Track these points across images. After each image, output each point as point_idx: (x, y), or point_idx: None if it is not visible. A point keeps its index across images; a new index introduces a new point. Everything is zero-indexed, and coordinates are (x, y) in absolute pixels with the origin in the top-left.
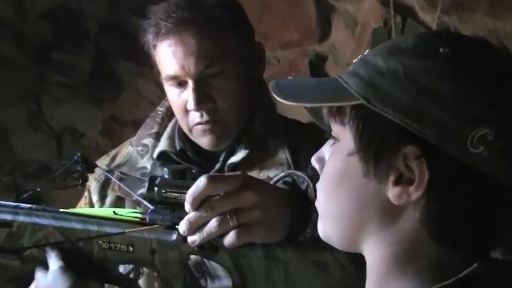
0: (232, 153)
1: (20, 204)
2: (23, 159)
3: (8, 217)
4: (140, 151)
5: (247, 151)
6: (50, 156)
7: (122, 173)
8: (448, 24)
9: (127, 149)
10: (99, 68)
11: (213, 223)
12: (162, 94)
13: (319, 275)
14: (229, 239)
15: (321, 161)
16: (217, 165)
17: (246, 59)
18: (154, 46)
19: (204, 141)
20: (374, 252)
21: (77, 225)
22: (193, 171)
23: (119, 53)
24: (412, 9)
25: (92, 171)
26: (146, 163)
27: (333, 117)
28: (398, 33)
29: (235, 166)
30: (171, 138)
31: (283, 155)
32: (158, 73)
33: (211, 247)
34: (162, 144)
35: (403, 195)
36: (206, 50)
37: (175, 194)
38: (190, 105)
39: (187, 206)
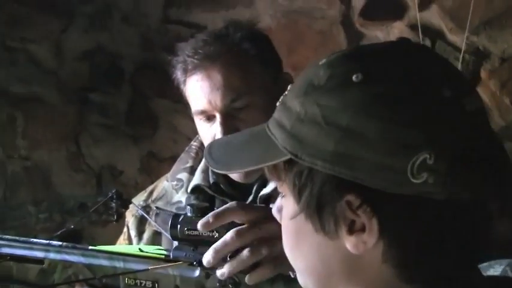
0: (264, 184)
1: (51, 241)
2: (59, 197)
3: (40, 254)
4: (175, 185)
5: None
6: (89, 194)
7: (157, 207)
8: (478, 44)
9: (163, 184)
10: (136, 106)
11: (245, 252)
12: None
13: None
14: (260, 272)
15: (280, 212)
16: (250, 197)
17: (274, 91)
18: (184, 82)
19: (233, 175)
20: None
21: (104, 262)
22: (212, 179)
23: (154, 91)
24: (441, 31)
25: (127, 208)
26: (181, 197)
27: (271, 175)
28: None
29: (267, 197)
30: (205, 171)
31: None
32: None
33: (233, 283)
34: (196, 178)
35: (359, 244)
36: (232, 84)
37: (198, 232)
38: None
39: (211, 221)
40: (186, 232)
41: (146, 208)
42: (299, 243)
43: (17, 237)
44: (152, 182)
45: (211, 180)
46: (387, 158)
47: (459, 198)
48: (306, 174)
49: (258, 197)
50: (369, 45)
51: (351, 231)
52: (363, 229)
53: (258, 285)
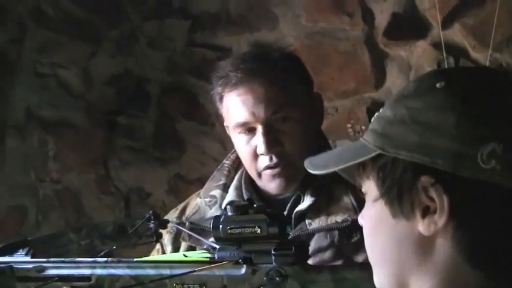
0: (298, 201)
1: (96, 258)
2: (98, 222)
3: (87, 272)
4: (208, 202)
5: (313, 198)
6: (119, 217)
7: (191, 223)
8: (501, 60)
9: (195, 201)
10: (163, 129)
11: None
12: (225, 150)
13: None
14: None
15: (363, 217)
16: (284, 213)
17: (309, 108)
18: (221, 98)
19: (272, 186)
20: (420, 286)
21: (151, 271)
22: (255, 205)
23: (181, 113)
24: (464, 49)
25: (165, 227)
26: (215, 213)
27: (360, 175)
28: None
29: (302, 214)
30: (239, 188)
31: (348, 199)
32: (222, 125)
33: (279, 276)
34: (230, 195)
35: (430, 224)
36: (274, 96)
37: (240, 229)
38: (261, 149)
39: None
40: (229, 231)
41: (180, 225)
42: (377, 230)
43: (63, 259)
44: (180, 204)
45: (245, 197)
46: (462, 145)
47: None
48: (390, 164)
49: (294, 213)
50: (457, 66)
51: (424, 214)
52: (435, 212)
53: (305, 276)
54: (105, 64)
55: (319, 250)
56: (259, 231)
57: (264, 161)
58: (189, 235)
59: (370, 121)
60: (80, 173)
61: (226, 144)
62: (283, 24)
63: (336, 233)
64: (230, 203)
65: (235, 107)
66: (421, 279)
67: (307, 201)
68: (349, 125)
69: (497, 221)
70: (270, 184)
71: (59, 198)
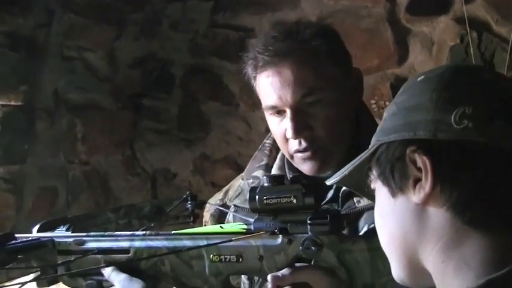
0: None
1: (134, 232)
2: (136, 202)
3: (125, 244)
4: (251, 183)
5: None
6: (146, 198)
7: (235, 205)
8: None
9: (238, 183)
10: (187, 110)
11: None
12: (250, 130)
13: None
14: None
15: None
16: (331, 193)
17: (346, 86)
18: (254, 78)
19: (305, 168)
20: (428, 258)
21: (188, 243)
22: (289, 176)
23: (205, 94)
24: (487, 23)
25: (202, 208)
26: None
27: (369, 177)
28: (475, 48)
29: (348, 194)
30: (281, 168)
31: None
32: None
33: (315, 245)
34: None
35: (420, 191)
36: (303, 79)
37: (276, 200)
38: (289, 133)
39: (281, 277)
40: (265, 201)
41: (223, 206)
42: (381, 216)
43: (103, 232)
44: (206, 184)
45: (288, 177)
46: (436, 113)
47: (498, 145)
48: (385, 150)
49: (340, 192)
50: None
51: (415, 185)
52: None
53: (340, 245)
54: (129, 47)
55: (369, 228)
56: (295, 201)
57: (293, 144)
58: (234, 216)
59: (394, 97)
60: (107, 154)
61: (251, 123)
62: (305, 3)
63: None
64: (266, 175)
65: (265, 89)
66: (427, 248)
67: None
68: (373, 101)
69: (477, 176)
70: (302, 166)
71: (88, 180)
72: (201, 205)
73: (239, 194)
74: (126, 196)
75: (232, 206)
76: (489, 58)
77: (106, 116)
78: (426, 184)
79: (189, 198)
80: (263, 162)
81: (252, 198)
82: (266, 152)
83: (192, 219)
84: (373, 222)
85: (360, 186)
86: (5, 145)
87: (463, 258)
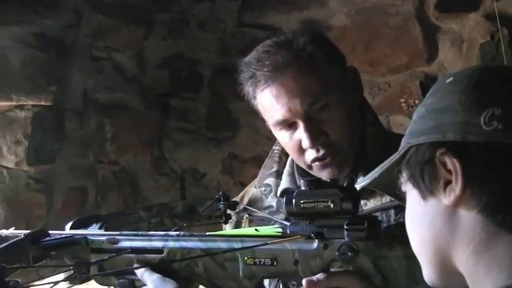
0: (352, 183)
1: (168, 232)
2: (169, 201)
3: (159, 244)
4: (264, 191)
5: None
6: (174, 198)
7: (250, 214)
8: None
9: (252, 191)
10: (216, 109)
11: None
12: None
13: None
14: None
15: None
16: None
17: (345, 86)
18: (255, 97)
19: (325, 175)
20: (460, 260)
21: (222, 245)
22: (328, 180)
23: (233, 93)
24: None
25: (234, 208)
26: (271, 202)
27: (399, 179)
28: (506, 45)
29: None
30: (291, 174)
31: None
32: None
33: (351, 251)
34: (284, 182)
35: (451, 193)
36: (308, 87)
37: (313, 204)
38: (305, 143)
39: (316, 281)
40: (302, 205)
41: (239, 213)
42: (412, 219)
43: (136, 232)
44: (235, 183)
45: (298, 183)
46: (466, 115)
47: None
48: (414, 152)
49: None
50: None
51: (445, 187)
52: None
53: (377, 251)
54: (157, 47)
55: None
56: (332, 205)
57: (311, 154)
58: (249, 225)
59: (423, 95)
60: (136, 154)
61: None
62: (332, 1)
63: (392, 212)
64: (304, 179)
65: (270, 105)
66: (459, 250)
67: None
68: (402, 100)
69: (507, 177)
70: (321, 173)
71: (117, 180)
72: (234, 206)
73: (253, 204)
74: (154, 196)
75: (246, 215)
76: None
77: (134, 116)
78: (456, 187)
79: (221, 198)
80: (273, 169)
81: (288, 202)
82: (275, 158)
83: (224, 219)
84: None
85: (390, 188)
86: (36, 145)
87: (494, 259)
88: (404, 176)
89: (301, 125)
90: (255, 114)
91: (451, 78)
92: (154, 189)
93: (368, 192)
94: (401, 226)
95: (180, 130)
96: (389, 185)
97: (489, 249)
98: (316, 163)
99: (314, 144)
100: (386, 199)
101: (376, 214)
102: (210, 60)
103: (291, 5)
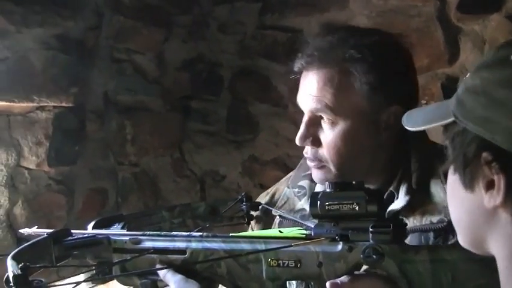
0: (392, 199)
1: (191, 233)
2: (191, 202)
3: (182, 245)
4: (297, 193)
5: (407, 197)
6: (195, 200)
7: (280, 216)
8: None
9: (284, 190)
10: (236, 112)
11: None
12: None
13: (486, 273)
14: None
15: None
16: None
17: (372, 121)
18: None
19: (313, 175)
20: (496, 253)
21: (246, 246)
22: (354, 182)
23: (253, 96)
24: None
25: (256, 209)
26: (304, 205)
27: (445, 136)
28: None
29: (395, 213)
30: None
31: (446, 197)
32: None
33: (376, 254)
34: (319, 187)
35: (491, 199)
36: (322, 97)
37: (338, 206)
38: (297, 136)
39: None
40: (327, 207)
41: (269, 214)
42: (452, 196)
43: (159, 232)
44: (255, 186)
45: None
46: None
47: None
48: (460, 133)
49: (387, 212)
50: None
51: (488, 188)
52: (496, 187)
53: (402, 255)
54: (177, 49)
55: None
56: (357, 208)
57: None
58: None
59: (444, 97)
60: (156, 156)
61: (300, 125)
62: (353, 3)
63: (431, 234)
64: (330, 181)
65: (299, 85)
66: (496, 247)
67: (401, 201)
68: (423, 101)
69: None
70: (312, 171)
71: (137, 181)
72: (256, 207)
73: (285, 203)
74: (175, 198)
75: (278, 217)
76: None
77: (155, 118)
78: (498, 197)
79: (244, 199)
80: (309, 172)
81: (313, 204)
82: None
83: (246, 220)
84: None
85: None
86: (56, 146)
87: None
88: (449, 144)
89: (304, 118)
90: (275, 116)
91: None
92: (175, 191)
93: (408, 210)
94: None
95: (200, 132)
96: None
97: None
98: (306, 159)
99: (298, 142)
100: (427, 220)
101: (414, 234)
102: (231, 63)
103: (311, 7)
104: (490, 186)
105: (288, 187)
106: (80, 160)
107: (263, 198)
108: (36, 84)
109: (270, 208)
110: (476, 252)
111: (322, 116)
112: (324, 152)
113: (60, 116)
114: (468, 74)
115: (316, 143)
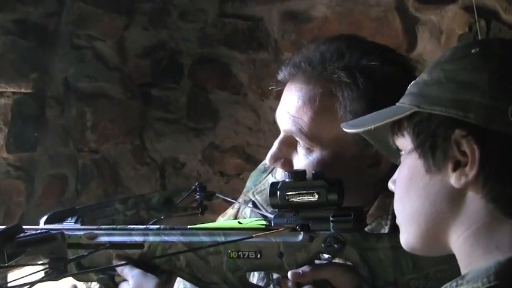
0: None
1: (149, 226)
2: (145, 193)
3: (139, 239)
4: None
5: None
6: (155, 187)
7: (254, 204)
8: None
9: (268, 177)
10: (196, 99)
11: None
12: (259, 120)
13: (446, 258)
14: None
15: (394, 182)
16: None
17: (358, 156)
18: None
19: None
20: (456, 240)
21: (205, 238)
22: (313, 172)
23: (213, 84)
24: (496, 11)
25: (211, 199)
26: None
27: (395, 133)
28: (484, 36)
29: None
30: None
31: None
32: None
33: (337, 243)
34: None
35: (461, 177)
36: (299, 117)
37: (298, 196)
38: (268, 155)
39: (302, 274)
40: (287, 197)
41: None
42: (409, 187)
43: (115, 226)
44: (214, 173)
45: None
46: (493, 101)
47: None
48: (425, 120)
49: None
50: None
51: (455, 168)
52: (465, 166)
53: (364, 243)
54: (138, 37)
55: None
56: (317, 197)
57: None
58: (250, 214)
59: None
60: (116, 143)
61: (260, 113)
62: None
63: None
64: (288, 170)
65: (281, 98)
66: (458, 230)
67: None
68: None
69: None
70: None
71: (97, 168)
72: (210, 196)
73: (263, 190)
74: (135, 185)
75: (251, 202)
76: None
77: (115, 105)
78: (470, 172)
79: (198, 189)
80: None
81: (272, 194)
82: None
83: (200, 210)
84: None
85: (381, 141)
86: (16, 132)
87: (494, 243)
88: (406, 138)
89: (280, 136)
90: (235, 104)
91: (477, 49)
92: (135, 178)
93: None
94: None
95: (160, 120)
96: (382, 138)
97: (491, 233)
98: None
99: (270, 162)
100: None
101: None
102: (191, 51)
103: None
104: (457, 165)
105: (272, 175)
106: (40, 146)
107: (260, 176)
108: None
109: (227, 199)
110: (425, 248)
111: (296, 136)
112: None
113: (19, 102)
114: (417, 79)
115: (288, 166)
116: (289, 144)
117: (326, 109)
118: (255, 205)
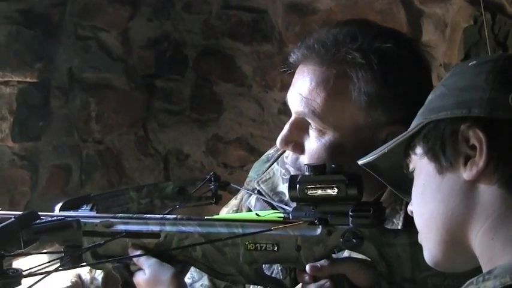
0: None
1: (165, 215)
2: (159, 182)
3: (155, 228)
4: (283, 174)
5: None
6: (158, 178)
7: (259, 193)
8: None
9: (274, 165)
10: (200, 91)
11: None
12: (262, 111)
13: None
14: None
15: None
16: None
17: (371, 137)
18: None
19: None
20: (475, 237)
21: (222, 230)
22: (333, 165)
23: (217, 75)
24: (501, 4)
25: (225, 189)
26: (285, 189)
27: (408, 156)
28: (489, 29)
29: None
30: None
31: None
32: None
33: (356, 238)
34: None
35: (472, 167)
36: (312, 99)
37: (317, 190)
38: (278, 138)
39: (320, 268)
40: (306, 191)
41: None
42: (424, 193)
43: (131, 215)
44: (218, 165)
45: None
46: (493, 93)
47: None
48: (433, 128)
49: None
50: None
51: (466, 162)
52: (475, 157)
53: (382, 239)
54: (142, 28)
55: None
56: (337, 191)
57: None
58: (255, 204)
59: None
60: (120, 134)
61: (263, 105)
62: None
63: None
64: (308, 164)
65: (292, 81)
66: (476, 226)
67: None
68: None
69: None
70: None
71: (101, 159)
72: (224, 187)
73: (269, 179)
74: (138, 176)
75: (256, 191)
76: (503, 40)
77: (119, 95)
78: (480, 160)
79: (212, 179)
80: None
81: (292, 187)
82: None
83: (214, 200)
84: None
85: (392, 173)
86: (20, 122)
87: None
88: (418, 152)
89: (291, 118)
90: (239, 96)
91: (474, 62)
92: (139, 169)
93: None
94: None
95: (164, 111)
96: (395, 163)
97: (508, 223)
98: None
99: (281, 145)
100: None
101: None
102: (195, 42)
103: None
104: (468, 160)
105: (278, 163)
106: (44, 136)
107: (262, 165)
108: (0, 59)
109: (242, 188)
110: (450, 265)
111: (308, 118)
112: (305, 161)
113: (24, 91)
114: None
115: (299, 149)
116: (301, 126)
117: (340, 91)
118: (260, 194)
